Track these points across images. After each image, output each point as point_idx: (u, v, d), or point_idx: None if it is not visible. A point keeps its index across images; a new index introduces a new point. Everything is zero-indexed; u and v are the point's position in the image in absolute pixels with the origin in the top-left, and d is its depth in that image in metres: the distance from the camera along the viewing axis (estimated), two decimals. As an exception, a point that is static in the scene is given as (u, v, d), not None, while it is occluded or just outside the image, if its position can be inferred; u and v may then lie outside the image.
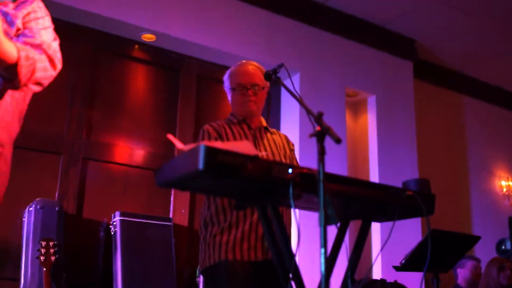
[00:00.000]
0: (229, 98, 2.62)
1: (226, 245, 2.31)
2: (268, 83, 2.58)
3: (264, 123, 2.62)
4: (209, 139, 2.43)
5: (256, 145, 2.47)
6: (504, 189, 6.50)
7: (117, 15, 3.90)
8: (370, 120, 5.19)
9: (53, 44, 1.85)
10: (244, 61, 2.63)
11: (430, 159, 5.62)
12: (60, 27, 3.87)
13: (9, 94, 1.80)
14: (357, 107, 5.39)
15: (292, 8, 4.78)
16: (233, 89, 2.55)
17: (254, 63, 2.60)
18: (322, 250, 1.46)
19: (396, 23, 5.25)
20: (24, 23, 1.83)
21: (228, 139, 2.45)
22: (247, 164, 1.52)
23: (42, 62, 1.76)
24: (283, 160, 2.51)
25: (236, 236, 2.31)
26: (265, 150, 2.48)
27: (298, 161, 2.70)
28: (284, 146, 2.60)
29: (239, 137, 2.48)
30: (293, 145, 2.68)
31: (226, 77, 2.63)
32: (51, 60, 1.80)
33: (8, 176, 1.88)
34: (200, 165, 1.43)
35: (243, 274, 2.28)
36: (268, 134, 2.59)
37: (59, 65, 1.85)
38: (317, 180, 1.54)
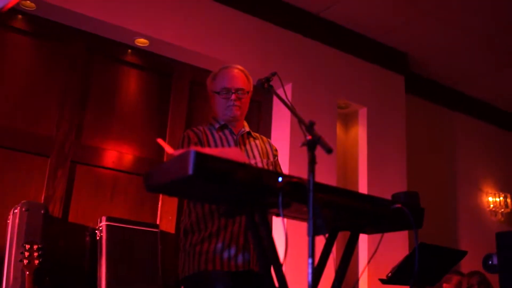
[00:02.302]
0: (212, 101, 2.56)
1: (206, 255, 2.27)
2: (252, 88, 2.56)
3: (247, 128, 2.57)
4: (189, 144, 2.38)
5: None
6: (491, 205, 6.53)
7: (111, 19, 3.88)
8: (361, 132, 5.20)
9: None
10: (228, 64, 2.58)
11: (419, 173, 5.64)
12: (55, 28, 3.88)
13: None
14: (348, 119, 5.40)
15: (286, 17, 4.79)
16: (217, 93, 2.50)
17: (239, 66, 2.56)
18: (310, 260, 1.45)
19: (389, 36, 5.29)
20: None
21: (209, 145, 2.40)
22: (237, 171, 1.51)
23: None
24: (265, 166, 2.49)
25: (216, 246, 2.28)
26: (248, 156, 2.45)
27: (281, 166, 2.66)
28: (267, 151, 2.56)
29: (220, 143, 2.44)
30: (276, 150, 2.63)
31: (209, 80, 2.58)
32: None
33: None
34: (190, 171, 1.42)
35: (223, 285, 2.25)
36: (251, 139, 2.55)
37: None
38: (307, 189, 1.53)
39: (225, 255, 2.27)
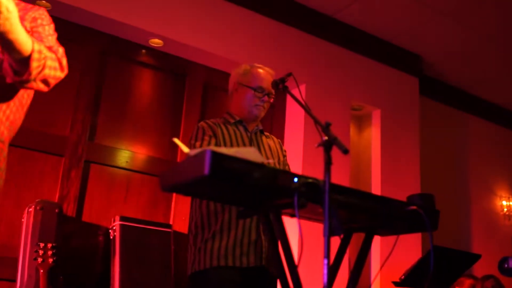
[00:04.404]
0: (236, 94, 2.59)
1: (218, 252, 2.27)
2: None
3: (260, 126, 2.63)
4: (203, 135, 2.42)
5: None
6: (505, 209, 6.46)
7: (126, 19, 3.90)
8: (374, 134, 5.18)
9: (60, 50, 1.84)
10: (261, 65, 2.65)
11: (432, 175, 5.60)
12: (69, 28, 3.91)
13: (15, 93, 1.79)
14: (362, 121, 5.38)
15: (300, 18, 4.78)
16: (252, 89, 2.53)
17: (270, 70, 2.64)
18: (326, 261, 1.44)
19: (404, 38, 5.26)
20: (31, 27, 1.82)
21: (224, 139, 2.44)
22: (253, 172, 1.51)
23: (52, 61, 1.73)
24: (277, 166, 2.52)
25: (228, 242, 2.28)
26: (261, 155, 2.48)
27: (289, 166, 2.72)
28: (278, 151, 2.62)
29: (234, 139, 2.47)
30: (285, 150, 2.71)
31: (239, 73, 2.61)
32: (60, 63, 1.78)
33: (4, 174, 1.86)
34: (206, 171, 1.42)
35: (234, 282, 2.25)
36: (264, 138, 2.60)
37: (66, 69, 1.83)
38: (322, 190, 1.52)
39: (237, 250, 2.27)
